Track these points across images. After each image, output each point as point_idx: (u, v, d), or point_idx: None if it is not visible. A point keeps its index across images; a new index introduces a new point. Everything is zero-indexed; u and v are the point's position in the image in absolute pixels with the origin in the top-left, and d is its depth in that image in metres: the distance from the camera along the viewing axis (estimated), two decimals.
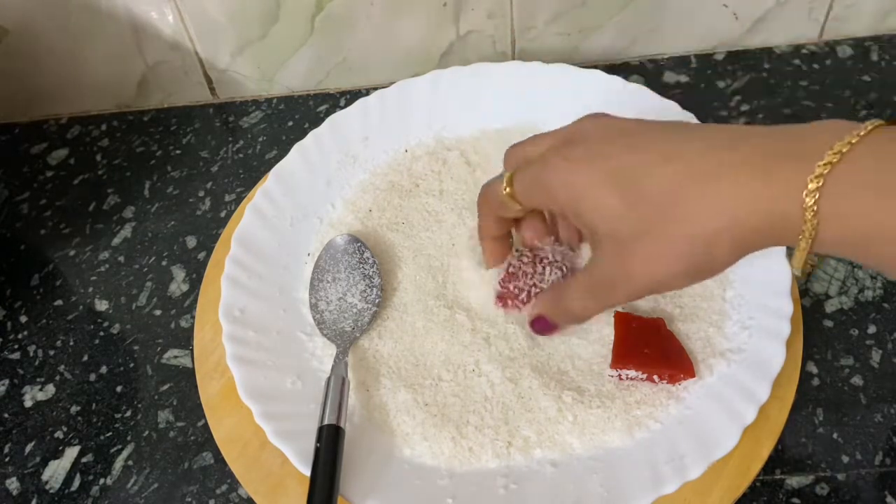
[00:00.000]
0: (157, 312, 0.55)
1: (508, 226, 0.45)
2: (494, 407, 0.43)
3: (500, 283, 0.46)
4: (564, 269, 0.45)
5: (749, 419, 0.40)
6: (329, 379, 0.43)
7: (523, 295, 0.45)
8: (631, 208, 0.34)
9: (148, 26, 0.62)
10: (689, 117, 0.52)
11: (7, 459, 0.49)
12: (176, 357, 0.52)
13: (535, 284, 0.45)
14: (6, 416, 0.51)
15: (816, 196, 0.30)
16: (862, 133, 0.30)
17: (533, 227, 0.45)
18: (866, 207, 0.29)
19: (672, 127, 0.35)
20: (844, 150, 0.30)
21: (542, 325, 0.43)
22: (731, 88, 0.63)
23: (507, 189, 0.40)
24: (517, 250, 0.46)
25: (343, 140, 0.55)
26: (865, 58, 0.63)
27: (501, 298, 0.46)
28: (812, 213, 0.30)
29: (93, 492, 0.47)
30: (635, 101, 0.54)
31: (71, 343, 0.54)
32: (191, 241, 0.58)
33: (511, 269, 0.46)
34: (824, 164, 0.29)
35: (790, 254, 0.32)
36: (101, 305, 0.56)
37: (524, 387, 0.44)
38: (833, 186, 0.29)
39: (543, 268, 0.45)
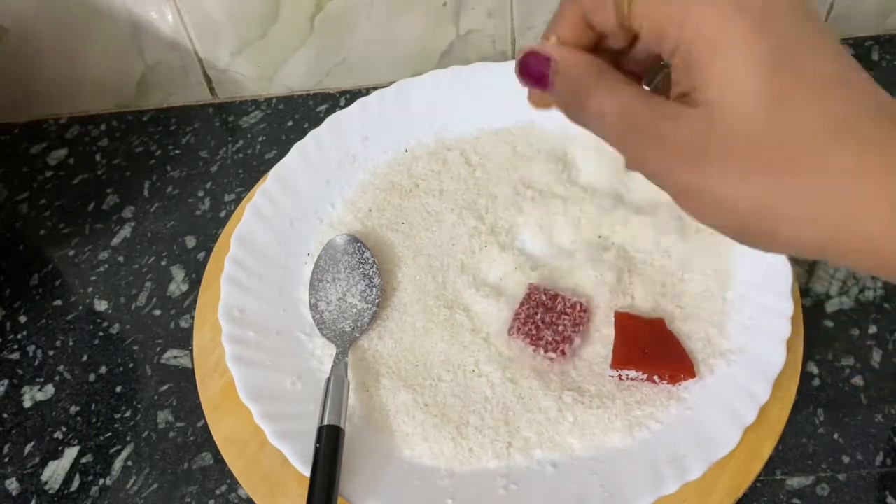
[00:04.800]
0: (157, 312, 0.55)
1: (584, 40, 0.29)
2: (494, 407, 0.43)
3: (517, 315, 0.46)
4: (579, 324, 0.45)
5: (749, 419, 0.40)
6: (329, 379, 0.43)
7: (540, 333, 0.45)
8: (768, 110, 0.24)
9: (147, 26, 0.62)
10: None
11: (6, 460, 0.49)
12: (176, 357, 0.52)
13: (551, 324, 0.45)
14: (5, 416, 0.51)
15: None
16: None
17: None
18: None
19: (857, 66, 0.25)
20: None
21: (534, 71, 0.29)
22: None
23: None
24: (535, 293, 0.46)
25: (343, 140, 0.55)
26: (865, 58, 0.63)
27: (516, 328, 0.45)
28: None
29: (92, 492, 0.47)
30: None
31: (70, 343, 0.54)
32: (190, 241, 0.58)
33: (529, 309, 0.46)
34: None
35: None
36: (101, 305, 0.55)
37: (524, 387, 0.44)
38: None
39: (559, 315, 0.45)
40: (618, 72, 0.28)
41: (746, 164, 0.24)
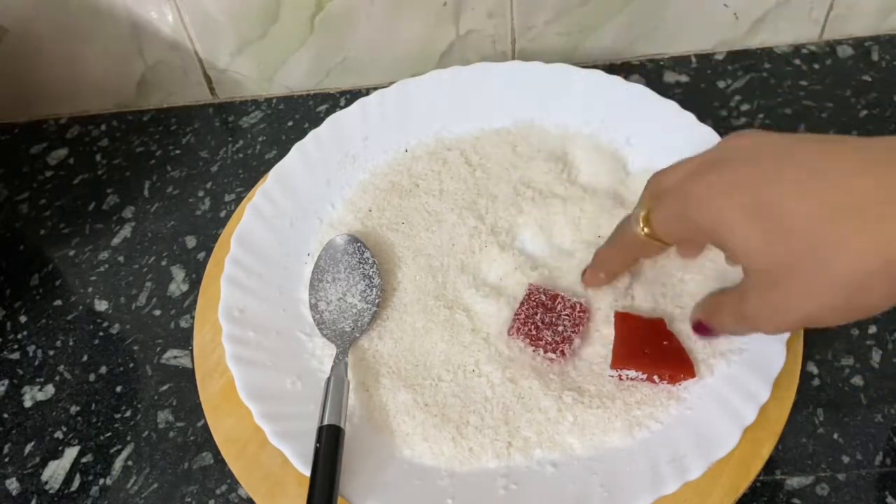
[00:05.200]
0: (157, 312, 0.55)
1: (636, 261, 0.43)
2: (494, 407, 0.43)
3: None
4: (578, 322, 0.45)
5: (749, 419, 0.40)
6: (329, 379, 0.43)
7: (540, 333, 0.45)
8: (774, 245, 0.31)
9: (148, 26, 0.62)
10: (689, 117, 0.52)
11: (7, 460, 0.49)
12: (176, 357, 0.52)
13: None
14: (6, 416, 0.51)
15: None
16: None
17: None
18: None
19: (822, 143, 0.32)
20: None
21: (703, 331, 0.41)
22: (731, 88, 0.63)
23: (645, 230, 0.38)
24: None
25: (343, 140, 0.55)
26: (865, 58, 0.63)
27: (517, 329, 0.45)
28: None
29: (92, 492, 0.47)
30: (635, 101, 0.54)
31: (71, 343, 0.54)
32: (190, 241, 0.58)
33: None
34: None
35: None
36: (101, 305, 0.55)
37: (524, 387, 0.44)
38: None
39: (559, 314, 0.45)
40: (723, 293, 0.38)
41: (801, 291, 0.31)
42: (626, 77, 0.57)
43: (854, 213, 0.29)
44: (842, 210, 0.29)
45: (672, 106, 0.53)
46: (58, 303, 0.56)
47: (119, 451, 0.48)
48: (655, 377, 0.43)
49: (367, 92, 0.64)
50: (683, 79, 0.64)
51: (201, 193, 0.61)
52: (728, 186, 0.32)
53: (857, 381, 0.47)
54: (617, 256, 0.43)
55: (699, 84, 0.63)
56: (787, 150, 0.32)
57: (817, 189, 0.30)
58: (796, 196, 0.30)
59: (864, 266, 0.29)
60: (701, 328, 0.41)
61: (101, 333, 0.54)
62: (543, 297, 0.46)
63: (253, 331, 0.47)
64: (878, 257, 0.28)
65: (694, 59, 0.65)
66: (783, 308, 0.32)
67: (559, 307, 0.45)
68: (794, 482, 0.44)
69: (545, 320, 0.45)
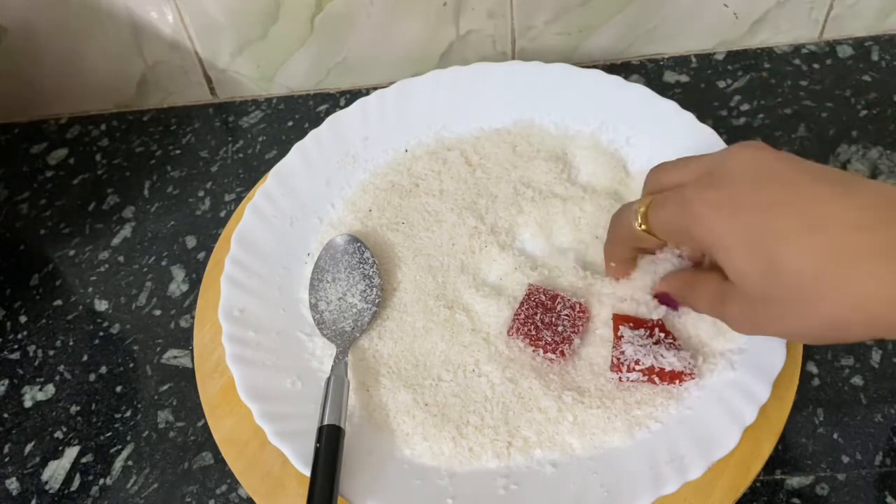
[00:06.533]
0: (157, 312, 0.55)
1: (639, 251, 0.44)
2: (494, 407, 0.43)
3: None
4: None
5: (749, 419, 0.40)
6: (329, 379, 0.43)
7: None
8: (765, 278, 0.32)
9: (148, 26, 0.62)
10: (689, 117, 0.52)
11: (7, 459, 0.49)
12: (176, 357, 0.52)
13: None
14: (6, 416, 0.51)
15: None
16: None
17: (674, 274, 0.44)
18: None
19: (831, 183, 0.32)
20: None
21: (666, 300, 0.44)
22: (731, 88, 0.63)
23: (642, 225, 0.39)
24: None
25: (343, 140, 0.55)
26: (865, 58, 0.63)
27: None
28: None
29: (92, 492, 0.47)
30: (635, 101, 0.54)
31: (71, 343, 0.54)
32: (190, 241, 0.58)
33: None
34: None
35: None
36: (101, 305, 0.55)
37: (524, 387, 0.44)
38: None
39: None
40: (699, 272, 0.40)
41: (783, 317, 0.33)
42: (626, 77, 0.57)
43: (846, 265, 0.30)
44: (835, 261, 0.30)
45: (672, 106, 0.53)
46: (58, 303, 0.56)
47: (119, 451, 0.49)
48: (655, 377, 0.43)
49: (367, 92, 0.64)
50: (683, 79, 0.64)
51: (201, 193, 0.61)
52: (727, 208, 0.33)
53: (857, 381, 0.47)
54: (617, 249, 0.44)
55: (699, 84, 0.63)
56: (791, 182, 0.32)
57: (816, 235, 0.31)
58: (794, 238, 0.31)
59: (846, 314, 0.30)
60: (666, 299, 0.43)
61: (101, 333, 0.54)
62: (543, 297, 0.46)
63: (253, 331, 0.47)
64: (861, 310, 0.30)
65: (694, 59, 0.65)
66: (763, 324, 0.34)
67: (559, 307, 0.45)
68: (794, 482, 0.44)
69: (545, 320, 0.45)
